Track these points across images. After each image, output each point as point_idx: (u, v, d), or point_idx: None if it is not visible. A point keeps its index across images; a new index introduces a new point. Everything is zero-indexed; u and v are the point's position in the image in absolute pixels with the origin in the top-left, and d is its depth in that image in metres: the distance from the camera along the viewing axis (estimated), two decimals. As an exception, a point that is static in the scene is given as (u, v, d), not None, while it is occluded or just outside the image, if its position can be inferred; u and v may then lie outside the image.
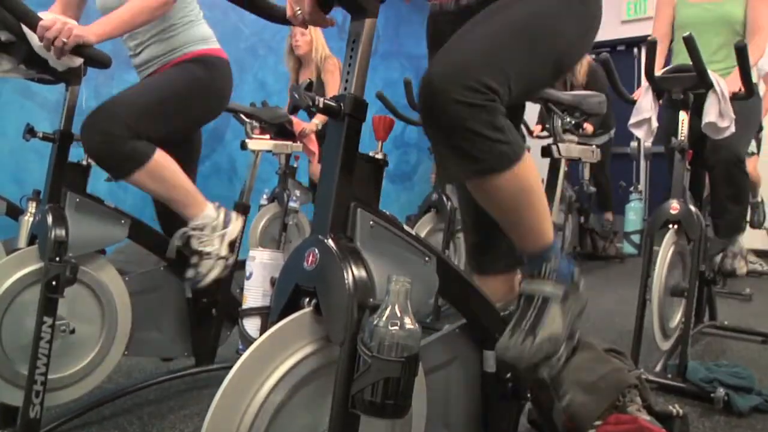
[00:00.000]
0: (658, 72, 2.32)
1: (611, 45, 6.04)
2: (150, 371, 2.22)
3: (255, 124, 2.81)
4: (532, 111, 4.45)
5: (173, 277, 1.99)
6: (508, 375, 1.17)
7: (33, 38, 1.64)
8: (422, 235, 2.92)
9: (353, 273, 0.84)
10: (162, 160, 1.77)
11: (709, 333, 2.90)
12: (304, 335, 0.86)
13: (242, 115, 2.83)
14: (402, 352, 0.77)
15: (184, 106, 1.89)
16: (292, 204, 3.21)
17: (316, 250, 0.87)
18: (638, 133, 2.28)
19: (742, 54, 2.15)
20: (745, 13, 2.59)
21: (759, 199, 4.19)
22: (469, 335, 1.16)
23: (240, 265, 1.83)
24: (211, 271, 1.92)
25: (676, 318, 2.35)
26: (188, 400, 2.01)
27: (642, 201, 4.64)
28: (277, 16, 1.16)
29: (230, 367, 0.79)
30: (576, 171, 4.83)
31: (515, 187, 1.08)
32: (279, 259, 1.00)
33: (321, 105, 0.87)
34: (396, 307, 0.78)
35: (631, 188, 4.65)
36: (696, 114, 2.28)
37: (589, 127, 4.47)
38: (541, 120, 4.89)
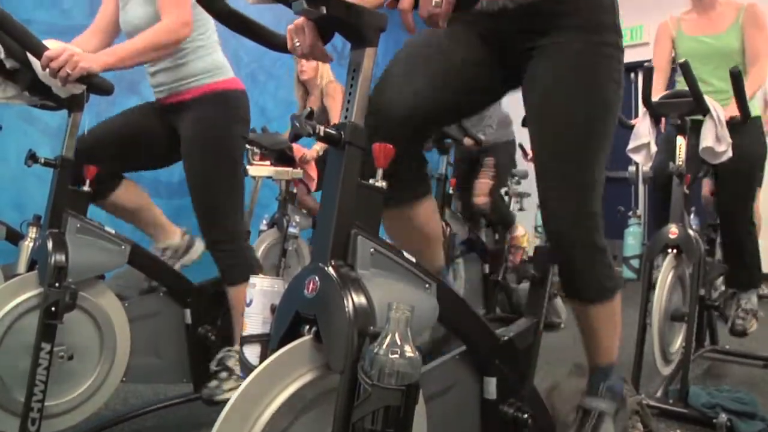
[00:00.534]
0: (656, 97, 2.35)
1: (609, 70, 6.09)
2: (148, 398, 2.20)
3: (256, 150, 2.83)
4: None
5: (172, 303, 1.98)
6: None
7: (37, 66, 1.66)
8: (422, 259, 2.92)
9: (353, 300, 0.84)
10: None
11: (710, 357, 2.88)
12: (304, 363, 0.86)
13: (243, 142, 2.85)
14: (402, 380, 0.76)
15: (234, 169, 1.99)
16: (291, 230, 3.21)
17: (317, 278, 0.88)
18: (637, 158, 2.30)
19: (736, 79, 2.17)
20: (742, 44, 2.63)
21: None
22: (469, 362, 1.15)
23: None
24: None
25: (677, 342, 2.34)
26: (186, 427, 1.99)
27: (641, 226, 4.63)
28: (278, 45, 1.18)
29: (230, 395, 0.79)
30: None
31: (610, 314, 1.37)
32: (279, 286, 1.00)
33: (321, 133, 0.88)
34: (396, 334, 0.78)
35: (630, 213, 4.65)
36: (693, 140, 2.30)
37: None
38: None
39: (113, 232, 1.83)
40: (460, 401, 1.14)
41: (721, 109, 2.26)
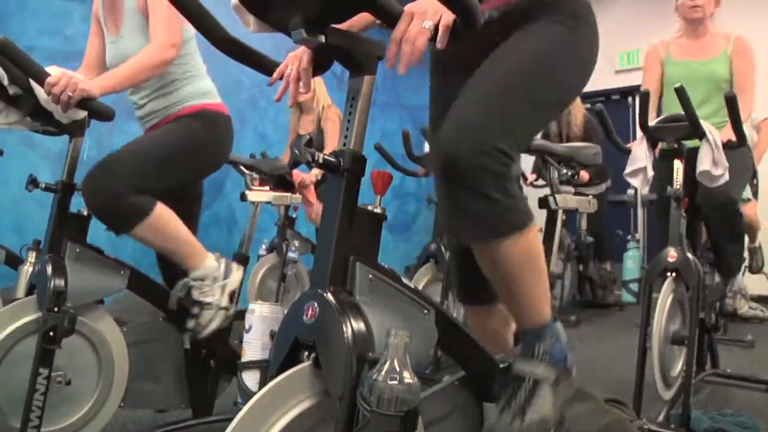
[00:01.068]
0: (652, 122, 2.37)
1: (605, 94, 6.16)
2: (146, 423, 2.18)
3: (255, 175, 2.85)
4: (527, 159, 4.50)
5: (171, 328, 1.98)
6: None
7: (40, 92, 1.69)
8: (421, 285, 2.92)
9: (352, 327, 0.84)
10: (163, 213, 1.79)
11: (711, 381, 2.86)
12: (303, 389, 0.86)
13: (242, 167, 2.87)
14: (401, 406, 0.77)
15: (182, 162, 1.92)
16: (290, 254, 3.22)
17: (316, 304, 0.88)
18: (634, 182, 2.31)
19: (732, 103, 2.20)
20: (730, 70, 2.68)
21: (757, 244, 4.21)
22: (469, 388, 1.15)
23: (238, 315, 1.83)
24: (211, 322, 1.92)
25: (678, 366, 2.33)
26: (184, 453, 1.98)
27: (640, 249, 4.64)
28: (273, 70, 1.21)
29: (228, 420, 0.79)
30: (574, 220, 4.84)
31: (520, 255, 1.12)
32: (278, 312, 1.00)
33: (321, 161, 0.89)
34: (395, 361, 0.78)
35: (629, 237, 4.66)
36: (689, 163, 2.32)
37: (584, 175, 4.51)
38: (536, 168, 4.94)
39: (113, 256, 1.84)
40: (459, 427, 1.13)
41: (717, 133, 2.28)
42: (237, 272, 2.00)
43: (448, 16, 0.91)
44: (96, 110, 1.75)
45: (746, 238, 3.20)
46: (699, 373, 2.72)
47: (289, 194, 3.18)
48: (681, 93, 2.15)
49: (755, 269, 4.19)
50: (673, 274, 2.24)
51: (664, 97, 2.84)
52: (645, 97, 2.34)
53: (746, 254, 3.88)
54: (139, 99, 2.01)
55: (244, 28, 1.06)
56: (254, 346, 0.99)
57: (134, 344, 1.86)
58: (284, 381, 0.84)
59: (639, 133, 2.37)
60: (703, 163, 2.24)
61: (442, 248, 3.17)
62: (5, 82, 1.69)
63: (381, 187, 0.93)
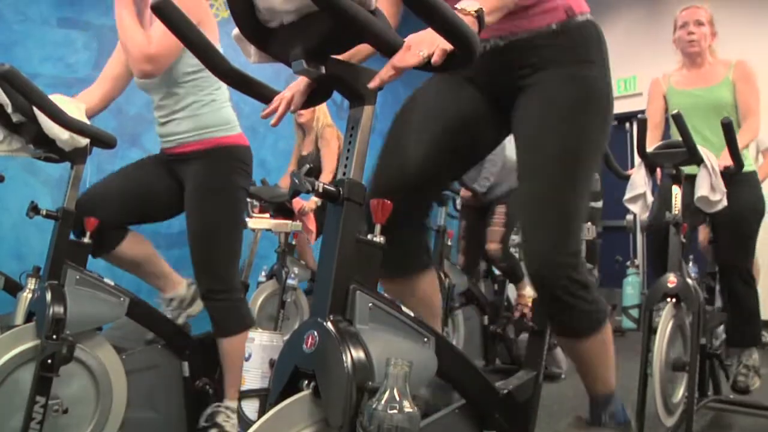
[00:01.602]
0: (650, 149, 2.38)
1: (603, 120, 6.19)
2: (143, 452, 2.15)
3: (255, 202, 2.85)
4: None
5: (170, 356, 1.97)
6: None
7: (43, 119, 1.70)
8: (420, 311, 2.90)
9: (352, 356, 0.84)
10: None
11: (714, 408, 2.84)
12: (302, 418, 0.85)
13: (243, 195, 2.87)
14: (401, 435, 0.76)
15: (233, 223, 2.02)
16: (290, 281, 3.21)
17: (316, 333, 0.88)
18: (633, 208, 2.32)
19: (728, 130, 2.22)
20: (734, 96, 2.69)
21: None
22: (469, 415, 1.14)
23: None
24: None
25: (680, 393, 2.31)
26: (182, 482, 1.95)
27: (639, 275, 4.62)
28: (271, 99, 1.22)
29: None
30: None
31: (599, 346, 1.36)
32: (278, 340, 1.00)
33: (320, 190, 0.90)
34: (395, 390, 0.78)
35: (628, 263, 4.65)
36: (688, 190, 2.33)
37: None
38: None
39: (112, 284, 1.84)
40: (460, 456, 1.12)
41: (714, 158, 2.30)
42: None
43: (446, 45, 0.92)
44: (98, 137, 1.77)
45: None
46: (701, 400, 2.69)
47: (289, 221, 3.18)
48: (678, 120, 2.17)
49: None
50: (673, 300, 2.24)
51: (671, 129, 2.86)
52: (643, 123, 2.36)
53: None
54: (161, 116, 2.01)
55: (245, 58, 1.08)
56: (254, 374, 0.99)
57: (133, 372, 1.85)
58: (284, 410, 0.84)
59: (637, 159, 2.38)
60: (701, 189, 2.26)
61: (441, 275, 3.16)
62: (9, 110, 1.71)
63: (381, 216, 0.94)
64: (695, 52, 2.75)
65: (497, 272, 3.98)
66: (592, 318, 1.32)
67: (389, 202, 0.97)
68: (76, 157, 1.82)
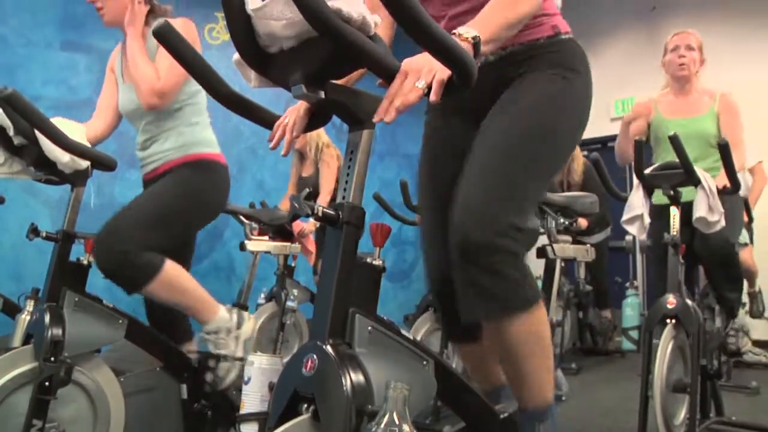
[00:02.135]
0: (648, 170, 2.40)
1: (602, 141, 6.22)
2: (140, 476, 2.13)
3: (254, 225, 2.86)
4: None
5: (169, 378, 1.96)
6: None
7: (44, 142, 1.71)
8: (420, 334, 2.90)
9: (351, 379, 0.84)
10: (171, 269, 1.81)
11: (716, 429, 2.82)
12: (302, 442, 0.85)
13: (242, 216, 2.89)
14: (400, 460, 0.76)
15: (185, 216, 1.95)
16: (290, 303, 3.20)
17: (315, 356, 0.88)
18: (631, 229, 2.32)
19: (725, 151, 2.23)
20: (717, 127, 2.77)
21: (757, 289, 4.19)
22: (469, 439, 1.14)
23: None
24: (229, 373, 1.94)
25: (681, 414, 2.30)
26: (179, 507, 1.93)
27: (638, 296, 4.61)
28: (271, 123, 1.23)
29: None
30: (573, 268, 4.82)
31: (528, 334, 1.18)
32: (278, 364, 1.00)
33: (320, 214, 0.90)
34: (394, 413, 0.78)
35: (627, 284, 4.64)
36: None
37: (582, 222, 4.51)
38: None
39: (111, 306, 1.83)
40: (460, 480, 1.12)
41: (711, 180, 2.31)
42: (249, 321, 2.00)
43: (443, 73, 0.93)
44: (98, 160, 1.78)
45: (745, 283, 3.23)
46: (703, 421, 2.67)
47: (288, 243, 3.18)
48: (675, 141, 2.18)
49: (756, 314, 4.16)
50: (673, 321, 2.24)
51: (657, 152, 2.92)
52: (639, 145, 2.38)
53: (746, 299, 3.89)
54: (144, 140, 2.04)
55: (245, 81, 1.09)
56: (253, 398, 0.99)
57: (131, 395, 1.84)
58: (283, 434, 0.83)
59: (635, 180, 2.40)
60: (699, 210, 2.27)
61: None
62: (11, 133, 1.72)
63: (380, 239, 0.95)
64: (684, 76, 2.82)
65: None
66: (519, 292, 1.15)
67: (387, 225, 0.98)
68: (77, 179, 1.83)
